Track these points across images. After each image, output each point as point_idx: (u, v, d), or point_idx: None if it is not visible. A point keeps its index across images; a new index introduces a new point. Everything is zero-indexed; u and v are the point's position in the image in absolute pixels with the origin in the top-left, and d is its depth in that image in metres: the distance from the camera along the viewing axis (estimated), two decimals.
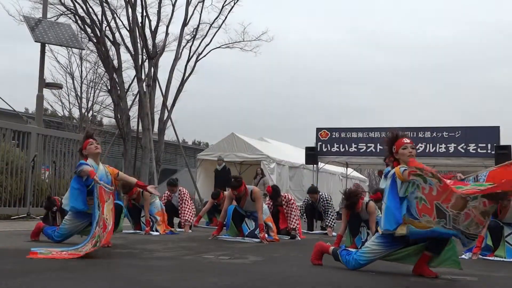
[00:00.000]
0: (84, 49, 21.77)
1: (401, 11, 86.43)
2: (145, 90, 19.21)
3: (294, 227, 8.35)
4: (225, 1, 20.93)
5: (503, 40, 79.50)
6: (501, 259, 5.96)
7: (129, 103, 21.09)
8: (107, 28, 19.91)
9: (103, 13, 19.59)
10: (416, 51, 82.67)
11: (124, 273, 4.09)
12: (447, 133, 16.84)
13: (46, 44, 13.93)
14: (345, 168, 21.61)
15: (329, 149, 18.38)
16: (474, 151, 16.48)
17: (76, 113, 27.89)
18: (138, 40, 19.54)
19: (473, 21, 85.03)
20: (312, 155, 18.32)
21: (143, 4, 19.61)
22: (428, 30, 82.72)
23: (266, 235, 7.35)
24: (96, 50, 20.83)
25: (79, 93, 26.94)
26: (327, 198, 9.67)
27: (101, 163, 5.91)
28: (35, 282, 3.55)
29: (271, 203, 8.67)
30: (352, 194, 6.65)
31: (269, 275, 4.29)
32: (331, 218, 9.47)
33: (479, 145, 16.34)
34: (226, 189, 10.90)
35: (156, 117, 20.24)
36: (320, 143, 18.43)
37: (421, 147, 17.13)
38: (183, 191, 9.42)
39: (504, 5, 77.65)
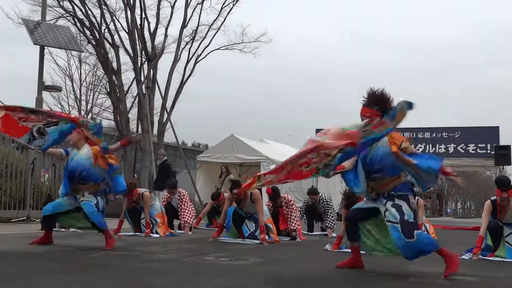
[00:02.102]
0: (83, 52, 21.75)
1: (400, 12, 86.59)
2: (144, 92, 19.20)
3: (294, 228, 8.34)
4: (224, 3, 20.93)
5: (502, 40, 79.58)
6: (501, 259, 5.96)
7: (128, 105, 21.07)
8: (106, 30, 19.90)
9: (102, 15, 19.57)
10: (415, 51, 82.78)
11: (125, 276, 4.09)
12: (446, 134, 16.85)
13: (45, 47, 13.94)
14: None
15: None
16: (473, 151, 16.50)
17: (75, 115, 27.87)
18: (137, 42, 19.52)
19: (472, 21, 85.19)
20: None
21: (142, 6, 19.60)
22: (427, 30, 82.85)
23: (267, 237, 7.34)
24: (95, 53, 20.80)
25: (78, 96, 26.92)
26: (327, 199, 9.67)
27: (88, 147, 6.00)
28: (36, 285, 3.55)
29: (271, 204, 8.67)
30: (351, 194, 6.64)
31: (270, 277, 4.29)
32: (331, 219, 9.46)
33: (479, 145, 16.35)
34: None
35: (156, 119, 20.22)
36: None
37: (421, 147, 17.14)
38: (182, 192, 9.41)
39: (504, 5, 77.82)
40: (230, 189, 7.50)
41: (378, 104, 4.34)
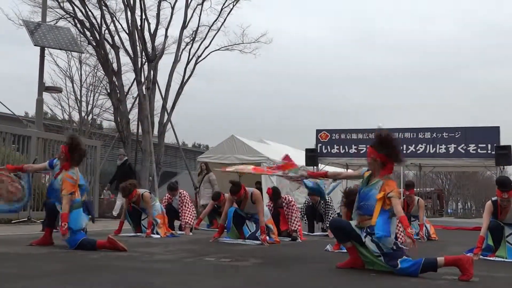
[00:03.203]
0: (83, 53, 21.76)
1: (400, 11, 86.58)
2: (144, 93, 19.19)
3: (295, 229, 8.34)
4: (224, 4, 20.93)
5: (503, 40, 79.60)
6: (502, 260, 5.95)
7: (128, 106, 21.06)
8: (106, 31, 19.89)
9: (102, 16, 19.57)
10: (415, 51, 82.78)
11: (126, 277, 4.09)
12: (447, 134, 16.81)
13: (46, 48, 13.94)
14: (346, 170, 21.59)
15: (329, 150, 18.37)
16: (474, 152, 16.45)
17: (76, 116, 27.85)
18: (138, 43, 19.52)
19: (472, 21, 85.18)
20: (312, 157, 18.30)
21: (142, 7, 19.60)
22: (427, 30, 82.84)
23: (267, 237, 7.34)
24: (95, 54, 20.81)
25: (78, 97, 26.94)
26: (328, 200, 9.66)
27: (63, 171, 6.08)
28: (37, 285, 3.55)
29: (272, 205, 8.66)
30: (351, 193, 6.63)
31: (270, 277, 4.29)
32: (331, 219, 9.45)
33: (479, 145, 16.29)
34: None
35: (156, 120, 20.21)
36: (320, 144, 18.42)
37: (421, 147, 17.10)
38: (183, 193, 9.41)
39: (504, 5, 77.83)
40: (231, 190, 7.48)
41: (385, 149, 4.72)
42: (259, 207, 7.43)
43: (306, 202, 9.91)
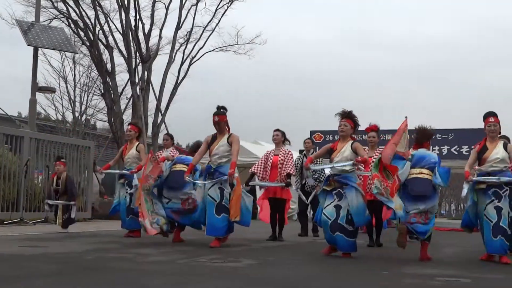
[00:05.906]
0: (77, 53, 21.69)
1: (395, 11, 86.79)
2: (138, 93, 19.17)
3: (291, 172, 8.49)
4: (218, 5, 20.94)
5: (500, 39, 79.96)
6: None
7: (122, 106, 21.03)
8: (100, 31, 19.86)
9: (96, 16, 19.54)
10: (410, 51, 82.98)
11: (120, 278, 4.08)
12: (440, 135, 16.87)
13: (39, 48, 13.90)
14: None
15: None
16: (467, 153, 16.52)
17: (69, 117, 27.75)
18: (132, 44, 19.50)
19: (469, 20, 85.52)
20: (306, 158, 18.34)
21: (136, 8, 19.59)
22: (423, 29, 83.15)
23: (236, 174, 6.81)
24: (89, 54, 20.77)
25: (72, 97, 26.83)
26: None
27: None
28: (32, 287, 3.55)
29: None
30: None
31: (262, 279, 4.30)
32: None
33: (472, 147, 16.39)
34: None
35: (150, 120, 20.20)
36: (314, 145, 18.43)
37: None
38: None
39: (501, 3, 78.16)
40: (215, 112, 7.28)
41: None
42: (235, 147, 7.01)
43: (298, 159, 10.11)
